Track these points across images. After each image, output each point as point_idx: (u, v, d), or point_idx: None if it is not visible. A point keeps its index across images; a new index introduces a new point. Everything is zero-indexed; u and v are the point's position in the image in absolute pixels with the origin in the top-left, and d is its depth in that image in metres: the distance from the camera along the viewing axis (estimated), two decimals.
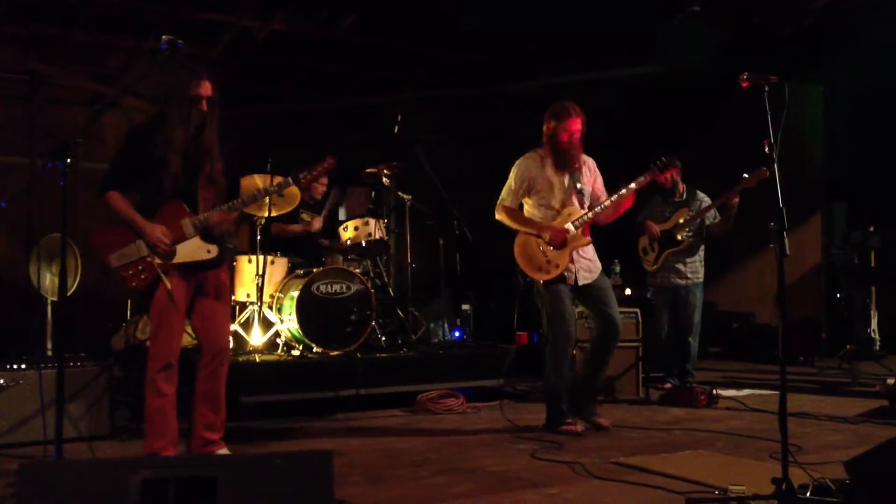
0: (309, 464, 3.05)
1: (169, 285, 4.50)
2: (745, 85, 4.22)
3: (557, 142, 5.70)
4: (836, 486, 3.74)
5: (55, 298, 6.85)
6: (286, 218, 7.84)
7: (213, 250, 4.61)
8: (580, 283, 5.75)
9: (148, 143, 4.55)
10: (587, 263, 5.79)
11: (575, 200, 5.78)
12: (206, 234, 4.62)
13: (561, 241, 5.69)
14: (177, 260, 4.54)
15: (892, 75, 9.28)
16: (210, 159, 4.59)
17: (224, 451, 4.72)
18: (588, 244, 5.76)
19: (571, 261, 5.71)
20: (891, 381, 5.98)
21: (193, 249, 4.57)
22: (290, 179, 4.78)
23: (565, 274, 5.73)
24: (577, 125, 5.66)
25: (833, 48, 9.48)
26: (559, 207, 5.75)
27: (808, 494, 3.75)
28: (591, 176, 5.88)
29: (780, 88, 4.12)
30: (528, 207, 5.91)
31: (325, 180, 8.19)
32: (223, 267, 4.81)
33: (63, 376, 4.24)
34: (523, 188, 5.86)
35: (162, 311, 4.56)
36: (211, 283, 4.71)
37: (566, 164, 5.74)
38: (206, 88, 4.53)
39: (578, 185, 5.77)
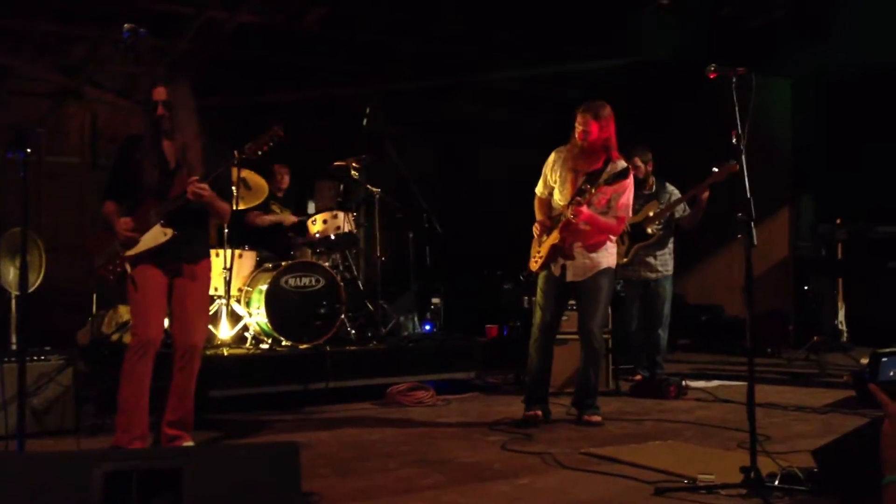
0: (275, 456, 3.01)
1: (129, 269, 4.62)
2: (712, 76, 4.24)
3: (571, 136, 5.68)
4: (804, 475, 3.77)
5: (18, 293, 6.76)
6: (260, 209, 7.82)
7: (169, 232, 4.64)
8: (567, 278, 5.74)
9: (130, 151, 4.73)
10: (583, 262, 5.71)
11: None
12: (167, 220, 4.64)
13: (538, 234, 5.79)
14: (140, 247, 4.64)
15: (859, 67, 9.36)
16: (184, 160, 4.63)
17: (189, 444, 4.68)
18: (556, 241, 5.63)
19: (563, 255, 5.70)
20: (864, 360, 6.02)
21: (154, 235, 4.65)
22: (235, 152, 4.70)
23: (551, 265, 5.75)
24: (590, 125, 5.54)
25: (801, 41, 9.53)
26: (562, 203, 5.72)
27: (776, 482, 3.78)
28: (610, 188, 5.58)
29: (748, 80, 4.13)
30: None
31: (287, 173, 8.17)
32: (199, 262, 4.82)
33: (25, 370, 4.17)
34: (544, 180, 5.88)
35: (135, 300, 4.67)
36: (183, 277, 4.74)
37: (576, 161, 5.67)
38: (160, 93, 4.59)
39: (583, 190, 5.56)
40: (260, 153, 4.69)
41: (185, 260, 4.73)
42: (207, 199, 4.58)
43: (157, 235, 4.63)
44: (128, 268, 4.62)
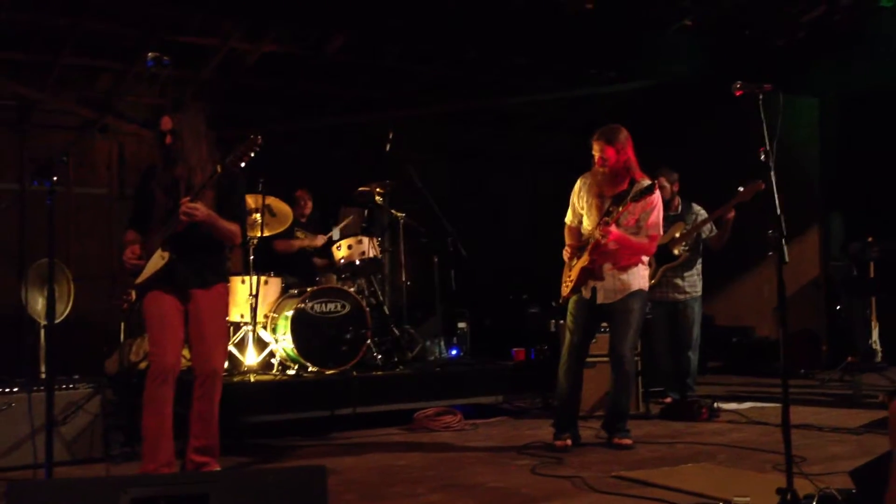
0: (302, 480, 2.98)
1: (134, 297, 4.67)
2: (738, 94, 4.18)
3: (593, 162, 5.66)
4: (842, 496, 3.68)
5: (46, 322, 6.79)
6: (285, 235, 7.83)
7: (166, 255, 4.62)
8: (598, 300, 5.69)
9: (147, 181, 4.80)
10: (613, 284, 5.66)
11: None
12: (171, 245, 4.61)
13: (568, 259, 5.77)
14: (145, 274, 4.66)
15: (885, 84, 9.27)
16: (190, 186, 4.61)
17: (216, 470, 4.65)
18: (585, 263, 5.61)
19: (593, 276, 5.66)
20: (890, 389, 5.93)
21: (155, 261, 4.65)
22: (218, 167, 4.57)
23: (581, 289, 5.72)
24: (606, 151, 5.51)
25: (826, 59, 9.48)
26: (590, 228, 5.69)
27: None
28: (637, 208, 5.56)
29: (775, 98, 4.09)
30: None
31: (309, 199, 8.19)
32: (213, 288, 4.77)
33: (52, 398, 4.17)
34: (573, 208, 5.87)
35: (151, 327, 4.68)
36: (196, 303, 4.72)
37: (601, 187, 5.65)
38: (165, 123, 4.63)
39: (610, 211, 5.56)
40: (243, 164, 4.59)
41: (195, 286, 4.70)
42: (201, 219, 4.51)
43: (157, 261, 4.63)
44: (133, 295, 4.65)
